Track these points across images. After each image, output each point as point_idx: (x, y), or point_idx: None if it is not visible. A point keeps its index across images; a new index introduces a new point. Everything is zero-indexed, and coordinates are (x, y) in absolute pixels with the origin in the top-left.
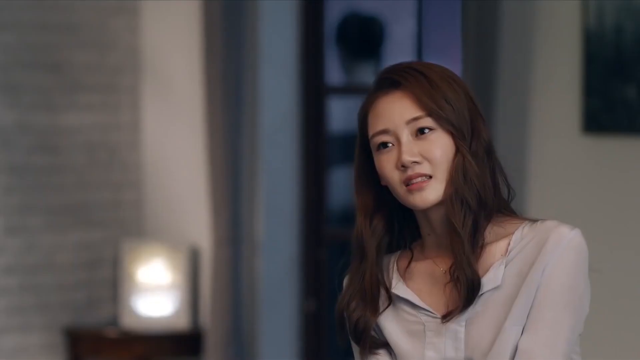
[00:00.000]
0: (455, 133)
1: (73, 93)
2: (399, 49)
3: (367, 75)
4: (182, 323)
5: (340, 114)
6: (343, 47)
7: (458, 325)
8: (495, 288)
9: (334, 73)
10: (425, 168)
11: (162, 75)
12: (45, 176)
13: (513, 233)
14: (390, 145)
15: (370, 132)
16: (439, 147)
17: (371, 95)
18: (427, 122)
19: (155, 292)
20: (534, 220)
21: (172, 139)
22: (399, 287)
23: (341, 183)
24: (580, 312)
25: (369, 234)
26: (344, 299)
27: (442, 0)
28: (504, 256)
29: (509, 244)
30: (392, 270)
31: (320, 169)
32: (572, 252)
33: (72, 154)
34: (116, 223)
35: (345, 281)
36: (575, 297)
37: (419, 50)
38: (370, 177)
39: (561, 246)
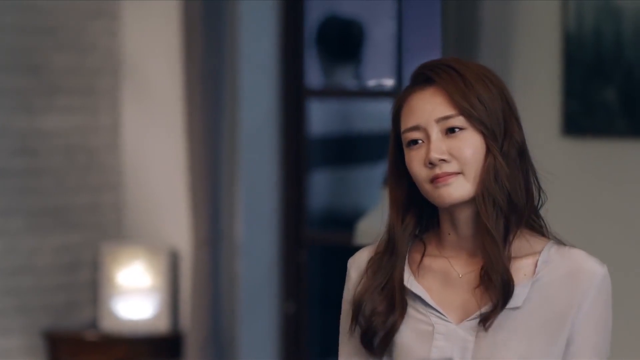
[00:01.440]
0: (487, 133)
1: (52, 96)
2: (378, 51)
3: (347, 77)
4: (162, 325)
5: (320, 117)
6: (323, 49)
7: (469, 335)
8: (514, 308)
9: (314, 75)
10: (453, 167)
11: (142, 77)
12: (25, 179)
13: (540, 252)
14: (420, 142)
15: (402, 128)
16: (469, 146)
17: (405, 91)
18: (458, 121)
19: (135, 295)
20: (559, 242)
21: (152, 141)
22: (411, 282)
23: (321, 185)
24: (606, 351)
25: (401, 230)
26: (364, 289)
27: (422, 2)
28: (530, 277)
29: (536, 264)
30: (404, 263)
31: (300, 171)
32: (605, 293)
33: (52, 156)
34: (96, 226)
35: (355, 265)
36: (607, 341)
37: (399, 52)
38: (403, 172)
39: (595, 286)
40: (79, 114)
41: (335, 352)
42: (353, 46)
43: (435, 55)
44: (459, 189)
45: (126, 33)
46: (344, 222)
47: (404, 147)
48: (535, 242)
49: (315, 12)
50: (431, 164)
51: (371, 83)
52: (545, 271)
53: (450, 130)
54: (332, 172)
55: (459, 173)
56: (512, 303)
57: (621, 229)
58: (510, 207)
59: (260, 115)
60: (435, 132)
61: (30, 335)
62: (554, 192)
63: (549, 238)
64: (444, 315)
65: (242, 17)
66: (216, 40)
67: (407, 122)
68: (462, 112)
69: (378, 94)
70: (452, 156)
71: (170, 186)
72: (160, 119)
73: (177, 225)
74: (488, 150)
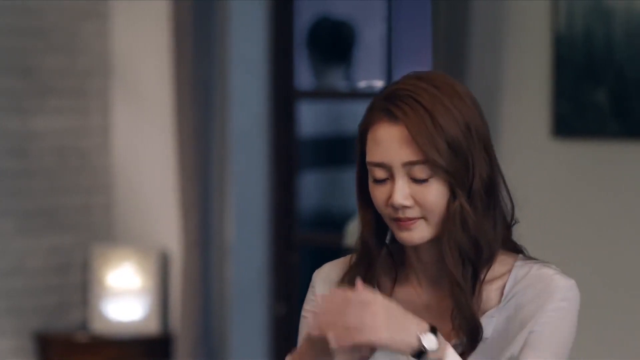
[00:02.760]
0: (453, 180)
1: (43, 97)
2: (369, 53)
3: (337, 79)
4: (152, 327)
5: (310, 118)
6: (313, 50)
7: None
8: (483, 339)
9: (304, 77)
10: (416, 212)
11: (132, 79)
12: (15, 180)
13: (508, 274)
14: (385, 179)
15: (368, 157)
16: (434, 193)
17: (373, 114)
18: (424, 169)
19: (125, 297)
20: (528, 258)
21: (142, 143)
22: None
23: (312, 187)
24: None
25: (376, 247)
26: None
27: (412, 3)
28: (497, 303)
29: (503, 288)
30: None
31: (291, 173)
32: (567, 303)
33: (42, 158)
34: (86, 227)
35: (320, 278)
36: (562, 349)
37: (389, 54)
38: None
39: (558, 296)
40: (70, 116)
41: None
42: (343, 47)
43: (426, 56)
44: (420, 233)
45: (117, 35)
46: (334, 223)
47: (369, 175)
48: (504, 261)
49: (305, 13)
50: (394, 207)
51: (361, 84)
52: (511, 294)
53: (415, 179)
54: (323, 173)
55: (421, 218)
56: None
57: (612, 230)
58: (478, 254)
59: (250, 116)
60: (401, 176)
61: (20, 337)
62: (544, 193)
63: (518, 253)
64: None
65: (232, 18)
66: (206, 41)
67: (372, 154)
68: (428, 159)
69: (368, 95)
70: (416, 202)
71: (161, 188)
72: (150, 120)
73: (168, 226)
74: (453, 195)
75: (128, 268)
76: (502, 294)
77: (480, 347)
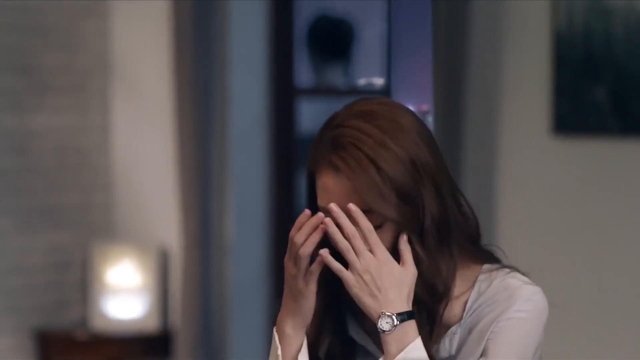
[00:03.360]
0: (403, 227)
1: (42, 95)
2: (368, 51)
3: (337, 76)
4: (152, 325)
5: (310, 116)
6: (313, 48)
7: None
8: (447, 357)
9: (303, 75)
10: None
11: (132, 77)
12: (15, 179)
13: (471, 289)
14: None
15: (318, 201)
16: (388, 240)
17: (317, 159)
18: (373, 217)
19: (125, 294)
20: (493, 268)
21: (142, 141)
22: (351, 328)
23: None
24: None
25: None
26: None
27: (412, 2)
28: (458, 322)
29: (466, 303)
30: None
31: (290, 171)
32: (529, 308)
33: (42, 156)
34: (86, 225)
35: None
36: (525, 352)
37: (389, 52)
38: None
39: (519, 301)
40: (69, 114)
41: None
42: (343, 45)
43: (426, 55)
44: None
45: (116, 33)
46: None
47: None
48: (467, 276)
49: (305, 11)
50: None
51: (361, 82)
52: (475, 307)
53: None
54: None
55: None
56: (445, 353)
57: (612, 228)
58: (433, 296)
59: (250, 114)
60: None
61: (20, 335)
62: (543, 190)
63: (482, 263)
64: None
65: (232, 16)
66: (206, 39)
67: (321, 198)
68: (374, 211)
69: (368, 93)
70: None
71: (161, 186)
72: (150, 118)
73: (167, 224)
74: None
75: (128, 266)
76: (464, 309)
77: None
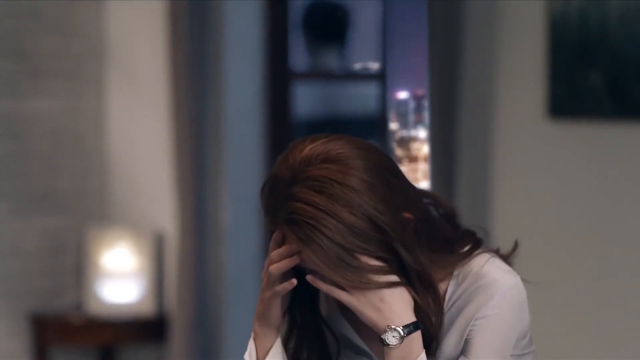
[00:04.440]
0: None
1: (37, 79)
2: (364, 34)
3: (332, 60)
4: (147, 309)
5: (305, 100)
6: (308, 32)
7: None
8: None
9: (299, 58)
10: None
11: (127, 61)
12: (10, 163)
13: (449, 279)
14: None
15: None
16: None
17: (276, 221)
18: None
19: (120, 278)
20: (471, 255)
21: (137, 125)
22: (335, 319)
23: None
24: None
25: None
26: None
27: None
28: None
29: (444, 294)
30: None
31: None
32: (509, 299)
33: (36, 140)
34: (81, 209)
35: None
36: (504, 346)
37: (384, 36)
38: None
39: (499, 293)
40: (64, 98)
41: None
42: (338, 29)
43: (421, 39)
44: None
45: (111, 17)
46: None
47: None
48: (445, 264)
49: None
50: None
51: (357, 66)
52: (454, 299)
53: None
54: None
55: None
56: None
57: (608, 211)
58: (427, 325)
59: (245, 98)
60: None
61: (15, 319)
62: (539, 174)
63: (459, 251)
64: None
65: (228, 0)
66: (201, 23)
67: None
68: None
69: (363, 77)
70: None
71: (156, 170)
72: (145, 102)
73: (163, 208)
74: None
75: (123, 250)
76: (444, 300)
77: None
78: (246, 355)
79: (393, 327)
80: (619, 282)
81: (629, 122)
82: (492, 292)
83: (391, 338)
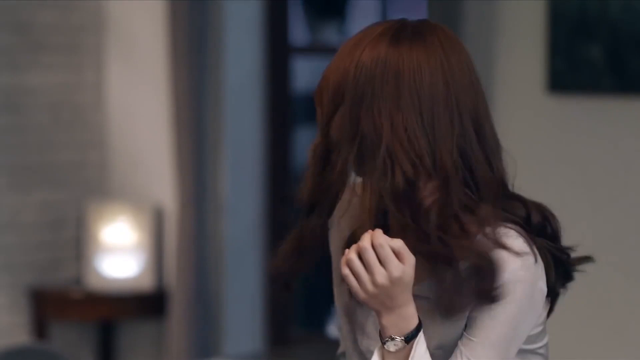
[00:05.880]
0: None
1: (36, 53)
2: (364, 8)
3: (332, 34)
4: (147, 283)
5: (305, 74)
6: (308, 6)
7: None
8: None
9: (298, 32)
10: None
11: (126, 35)
12: (8, 136)
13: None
14: None
15: None
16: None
17: None
18: None
19: (120, 253)
20: (495, 226)
21: (136, 99)
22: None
23: (306, 142)
24: (516, 341)
25: None
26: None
27: None
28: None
29: None
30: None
31: (285, 128)
32: (513, 284)
33: (36, 113)
34: (80, 183)
35: (337, 214)
36: (505, 330)
37: (384, 9)
38: None
39: (503, 277)
40: (64, 72)
41: (320, 308)
42: (338, 3)
43: (421, 11)
44: None
45: None
46: None
47: None
48: (477, 221)
49: None
50: None
51: None
52: None
53: None
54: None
55: None
56: (425, 292)
57: (607, 185)
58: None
59: (245, 72)
60: None
61: (14, 293)
62: (539, 149)
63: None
64: None
65: None
66: None
67: None
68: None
69: None
70: None
71: (155, 143)
72: (145, 76)
73: (162, 182)
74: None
75: (122, 224)
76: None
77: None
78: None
79: (394, 337)
80: (623, 254)
81: (629, 97)
82: (497, 273)
83: (391, 346)
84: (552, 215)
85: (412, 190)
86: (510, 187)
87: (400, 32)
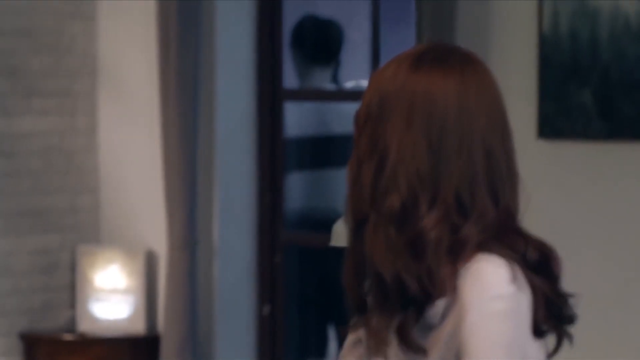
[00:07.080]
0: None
1: (29, 98)
2: (355, 53)
3: (323, 79)
4: (139, 327)
5: (296, 118)
6: (299, 50)
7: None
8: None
9: (290, 77)
10: None
11: (119, 79)
12: (1, 181)
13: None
14: None
15: None
16: None
17: None
18: None
19: (112, 296)
20: (485, 248)
21: (129, 143)
22: None
23: (298, 187)
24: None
25: None
26: None
27: (397, 4)
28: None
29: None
30: None
31: (277, 173)
32: (492, 304)
33: (28, 158)
34: (73, 228)
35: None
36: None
37: (376, 54)
38: None
39: (480, 297)
40: (56, 116)
41: (310, 353)
42: (330, 47)
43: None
44: None
45: (103, 35)
46: (320, 224)
47: None
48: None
49: (292, 13)
50: None
51: (348, 84)
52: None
53: None
54: (309, 173)
55: None
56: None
57: (597, 230)
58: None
59: (236, 117)
60: None
61: (7, 338)
62: (529, 193)
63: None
64: None
65: (219, 18)
66: (193, 41)
67: None
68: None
69: (355, 95)
70: None
71: (147, 188)
72: (137, 120)
73: (154, 227)
74: None
75: (114, 268)
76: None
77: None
78: None
79: None
80: (612, 299)
81: (619, 142)
82: (476, 292)
83: None
84: (554, 255)
85: (407, 214)
86: (518, 221)
87: (422, 56)
